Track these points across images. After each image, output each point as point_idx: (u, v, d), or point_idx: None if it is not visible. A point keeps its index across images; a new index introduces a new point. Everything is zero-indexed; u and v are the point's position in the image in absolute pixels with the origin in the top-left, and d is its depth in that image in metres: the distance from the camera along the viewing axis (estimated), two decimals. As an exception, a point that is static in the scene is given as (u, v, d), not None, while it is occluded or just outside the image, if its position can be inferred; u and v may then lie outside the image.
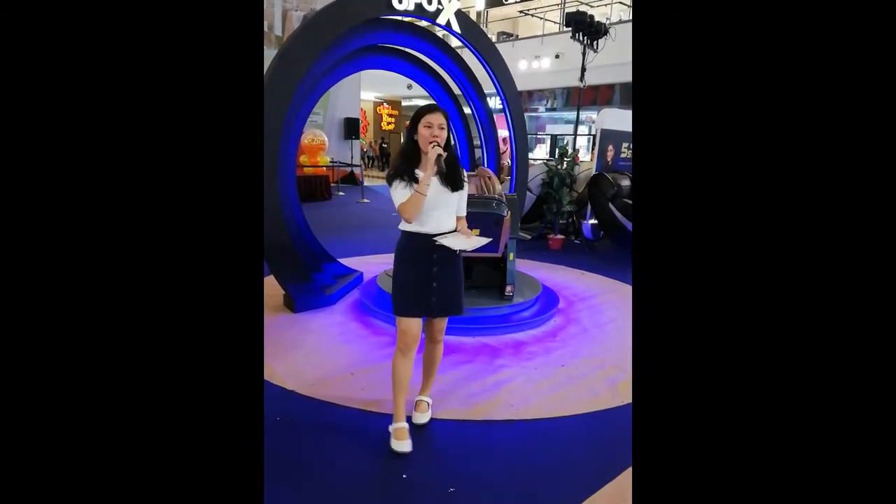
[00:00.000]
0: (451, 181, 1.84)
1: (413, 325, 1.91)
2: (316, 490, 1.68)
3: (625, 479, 1.77)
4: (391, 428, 1.93)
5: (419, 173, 1.80)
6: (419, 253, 1.87)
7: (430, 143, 1.77)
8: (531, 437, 2.04)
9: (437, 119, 1.80)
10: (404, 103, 19.91)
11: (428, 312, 1.92)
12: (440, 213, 1.85)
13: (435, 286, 1.87)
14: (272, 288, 3.56)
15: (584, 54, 6.04)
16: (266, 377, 2.43)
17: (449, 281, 1.91)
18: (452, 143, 1.89)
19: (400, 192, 1.80)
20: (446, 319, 2.04)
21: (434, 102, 2.01)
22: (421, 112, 1.83)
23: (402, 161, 1.84)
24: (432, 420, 2.12)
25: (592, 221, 5.94)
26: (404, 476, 1.76)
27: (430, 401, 2.16)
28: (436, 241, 1.83)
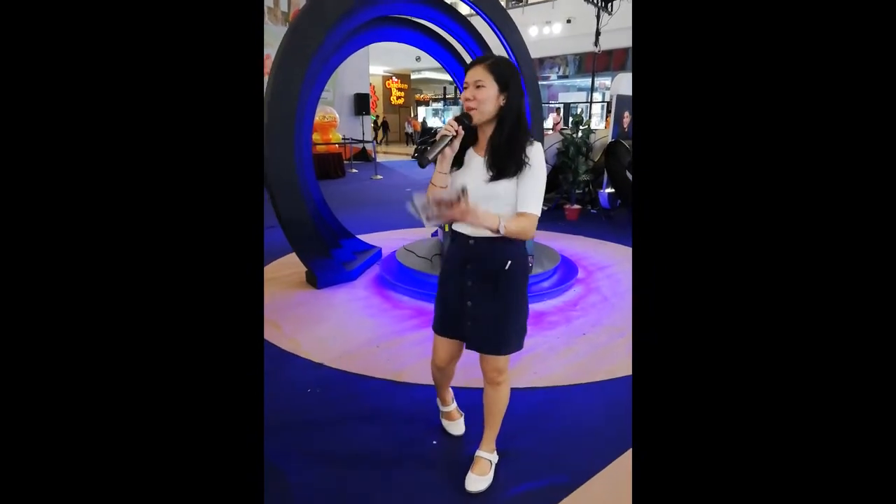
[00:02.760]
0: (497, 163, 1.30)
1: (442, 347, 1.55)
2: (349, 455, 1.75)
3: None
4: (440, 408, 1.89)
5: (472, 155, 1.37)
6: (452, 260, 1.45)
7: (468, 110, 1.32)
8: (553, 404, 2.08)
9: (474, 75, 1.30)
10: (413, 76, 19.60)
11: (462, 337, 1.50)
12: (485, 208, 1.30)
13: (470, 306, 1.42)
14: (294, 265, 3.63)
15: (598, 17, 5.87)
16: (293, 351, 2.50)
17: (488, 304, 1.40)
18: (502, 103, 1.31)
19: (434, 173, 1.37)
20: (500, 357, 1.48)
21: (486, 55, 1.42)
22: (466, 69, 1.36)
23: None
24: (457, 388, 2.13)
25: (609, 190, 5.88)
26: (434, 442, 1.82)
27: (493, 459, 1.64)
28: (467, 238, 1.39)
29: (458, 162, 1.37)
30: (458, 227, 1.41)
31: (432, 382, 1.80)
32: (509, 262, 1.39)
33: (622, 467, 1.69)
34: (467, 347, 1.51)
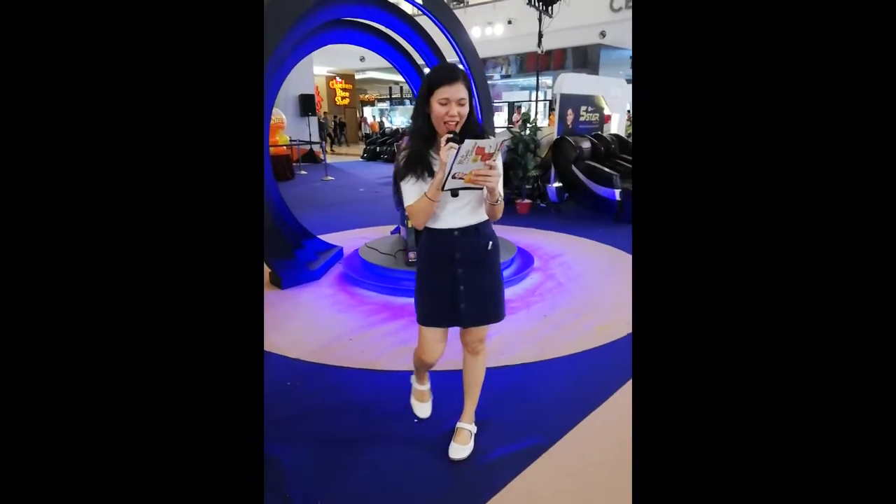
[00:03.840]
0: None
1: (435, 339, 1.62)
2: (335, 440, 1.84)
3: (606, 409, 2.02)
4: (413, 388, 1.93)
5: (436, 158, 1.41)
6: (439, 254, 1.53)
7: (447, 126, 1.36)
8: (522, 379, 2.26)
9: (458, 92, 1.34)
10: (358, 76, 19.46)
11: (457, 322, 1.58)
12: (459, 203, 1.46)
13: (462, 290, 1.54)
14: (256, 267, 3.62)
15: (540, 20, 6.15)
16: (268, 349, 2.54)
17: (480, 282, 1.55)
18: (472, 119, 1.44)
19: (412, 189, 1.42)
20: (486, 327, 1.63)
21: (453, 65, 1.45)
22: (437, 80, 1.35)
23: (416, 148, 1.42)
24: (434, 372, 2.23)
25: (557, 184, 6.18)
26: (416, 420, 1.94)
27: (472, 429, 1.79)
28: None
29: (428, 170, 1.42)
30: (438, 225, 1.51)
31: (408, 368, 1.88)
32: (490, 243, 1.56)
33: (589, 426, 1.89)
34: (464, 326, 1.60)
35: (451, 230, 1.50)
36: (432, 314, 1.58)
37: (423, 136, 1.42)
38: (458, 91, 1.35)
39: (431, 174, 1.41)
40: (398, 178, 1.46)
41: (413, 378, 1.98)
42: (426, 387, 1.96)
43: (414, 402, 1.97)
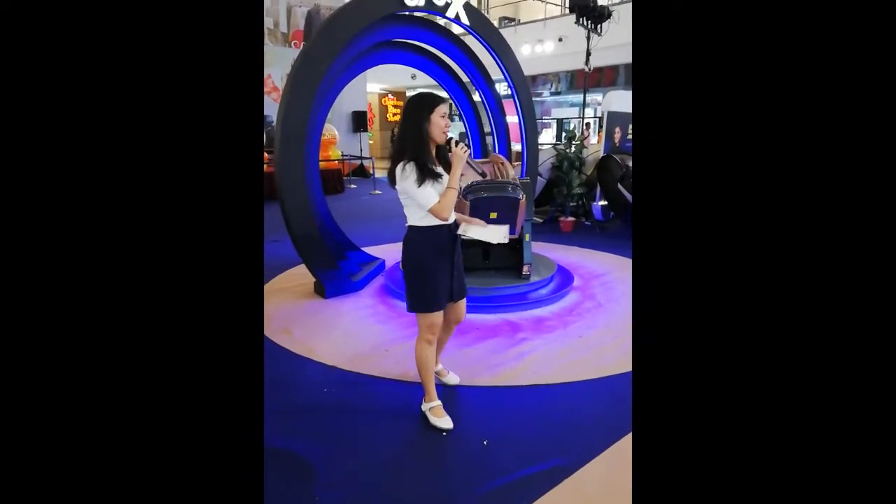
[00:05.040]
0: (445, 166, 1.87)
1: (439, 317, 1.98)
2: (366, 449, 1.89)
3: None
4: (427, 407, 2.04)
5: (433, 164, 1.82)
6: (444, 244, 1.90)
7: (445, 134, 1.81)
8: (553, 399, 2.24)
9: (447, 109, 1.83)
10: (409, 94, 19.96)
11: (451, 298, 1.98)
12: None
13: (455, 273, 1.96)
14: (303, 276, 3.78)
15: (588, 39, 6.14)
16: (308, 355, 2.65)
17: (460, 263, 2.02)
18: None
19: (430, 191, 1.77)
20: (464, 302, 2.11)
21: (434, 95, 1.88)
22: (435, 100, 1.78)
23: (422, 157, 1.76)
24: (464, 387, 2.32)
25: (602, 203, 6.09)
26: (444, 434, 1.97)
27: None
28: (464, 235, 1.96)
29: (432, 173, 1.79)
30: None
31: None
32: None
33: (618, 452, 1.85)
34: (456, 300, 2.02)
35: (450, 225, 1.92)
36: (441, 298, 1.93)
37: (423, 143, 1.78)
38: (447, 108, 1.84)
39: (436, 175, 1.79)
40: (418, 183, 1.75)
41: (424, 402, 2.07)
42: (438, 401, 2.05)
43: (434, 420, 2.03)
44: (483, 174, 2.44)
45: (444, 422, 2.01)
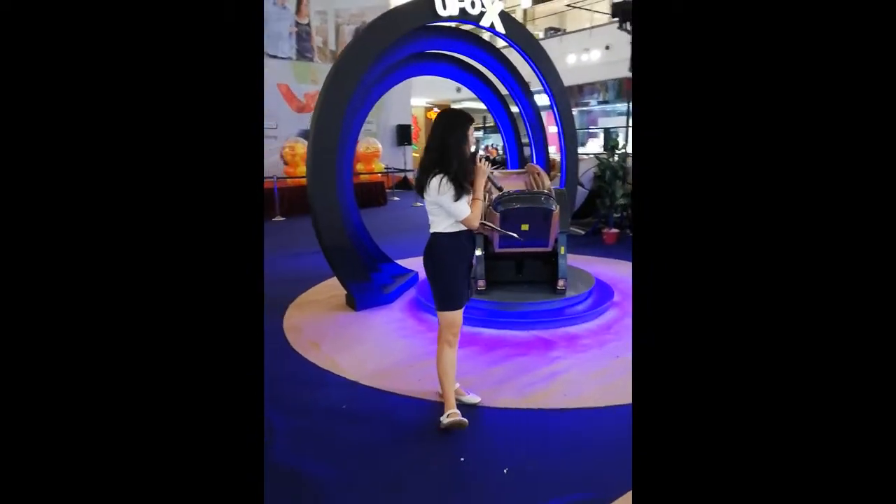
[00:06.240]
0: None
1: (461, 316, 2.10)
2: (381, 471, 1.81)
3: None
4: (447, 421, 1.99)
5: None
6: (465, 248, 2.06)
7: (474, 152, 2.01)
8: (584, 424, 2.08)
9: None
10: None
11: (469, 297, 2.13)
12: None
13: (468, 279, 2.11)
14: (334, 288, 3.78)
15: (632, 45, 5.92)
16: (330, 369, 2.61)
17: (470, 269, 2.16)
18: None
19: (464, 205, 1.94)
20: None
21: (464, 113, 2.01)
22: (470, 119, 1.93)
23: (461, 174, 1.90)
24: (487, 408, 2.20)
25: (649, 214, 5.80)
26: (462, 459, 1.86)
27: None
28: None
29: (466, 190, 1.94)
30: (462, 227, 2.01)
31: (463, 400, 1.86)
32: None
33: (651, 490, 1.67)
34: (467, 300, 2.11)
35: (468, 230, 2.04)
36: (464, 296, 2.07)
37: (465, 160, 1.92)
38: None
39: (469, 191, 1.95)
40: (456, 197, 1.90)
41: (445, 415, 2.00)
42: (457, 411, 2.02)
43: (455, 419, 1.99)
44: (500, 189, 2.47)
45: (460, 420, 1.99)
